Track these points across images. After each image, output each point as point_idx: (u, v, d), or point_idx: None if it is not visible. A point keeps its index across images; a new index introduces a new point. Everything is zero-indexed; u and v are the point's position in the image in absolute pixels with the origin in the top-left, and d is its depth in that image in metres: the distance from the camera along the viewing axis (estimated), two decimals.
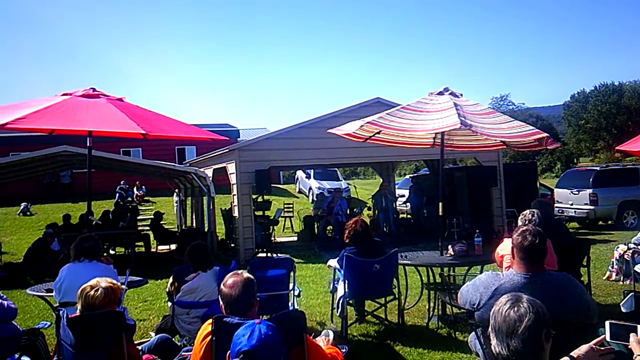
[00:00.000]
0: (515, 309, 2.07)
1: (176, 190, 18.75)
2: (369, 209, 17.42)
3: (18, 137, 23.82)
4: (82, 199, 21.97)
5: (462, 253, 6.16)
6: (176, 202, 19.54)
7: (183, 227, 17.85)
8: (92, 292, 3.46)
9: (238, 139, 26.65)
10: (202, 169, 13.97)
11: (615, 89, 52.52)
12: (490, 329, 2.13)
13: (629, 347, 2.10)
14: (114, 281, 3.64)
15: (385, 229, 14.74)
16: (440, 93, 6.59)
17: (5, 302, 4.37)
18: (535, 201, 5.59)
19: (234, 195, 12.83)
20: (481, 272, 5.80)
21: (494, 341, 2.09)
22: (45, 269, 9.97)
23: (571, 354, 2.10)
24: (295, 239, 15.81)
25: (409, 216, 17.78)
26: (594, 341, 2.13)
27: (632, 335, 2.10)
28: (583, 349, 2.10)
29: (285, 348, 2.73)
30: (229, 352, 2.51)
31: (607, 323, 2.16)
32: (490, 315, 2.15)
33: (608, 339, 2.15)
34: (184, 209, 18.68)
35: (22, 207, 21.42)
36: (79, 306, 3.49)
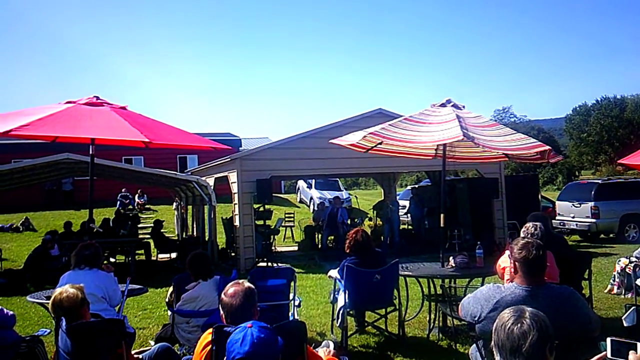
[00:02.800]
0: (519, 325, 2.03)
1: (176, 198, 18.77)
2: (370, 219, 17.41)
3: (20, 144, 23.89)
4: (83, 206, 21.99)
5: (463, 265, 6.15)
6: (175, 209, 19.57)
7: (183, 235, 17.85)
8: (64, 295, 3.47)
9: (240, 148, 26.70)
10: (203, 178, 13.99)
11: (617, 103, 52.59)
12: (493, 345, 2.11)
13: None
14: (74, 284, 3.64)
15: (388, 241, 14.71)
16: (443, 105, 6.61)
17: (5, 310, 4.37)
18: (531, 215, 5.53)
19: (235, 204, 12.83)
20: (482, 284, 5.78)
21: (497, 357, 2.07)
22: (45, 276, 9.96)
23: None
24: (296, 248, 15.79)
25: (409, 227, 17.78)
26: (596, 358, 2.12)
27: (631, 352, 2.10)
28: None
29: (286, 358, 2.72)
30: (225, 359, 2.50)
31: (608, 340, 2.16)
32: (493, 331, 2.12)
33: (609, 355, 2.14)
34: (184, 217, 18.69)
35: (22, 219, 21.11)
36: (62, 318, 3.48)
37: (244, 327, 2.52)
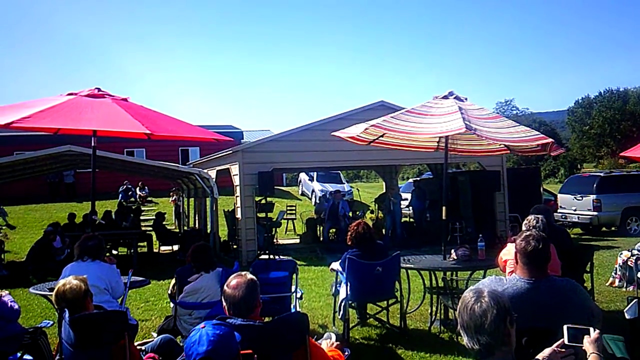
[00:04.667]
0: (479, 304, 2.17)
1: (170, 193, 18.79)
2: (372, 211, 17.41)
3: (22, 136, 23.89)
4: (85, 198, 22.05)
5: (465, 257, 6.16)
6: (171, 202, 19.65)
7: (185, 227, 17.89)
8: (68, 287, 3.49)
9: (242, 140, 26.68)
10: (205, 170, 13.99)
11: (620, 95, 52.35)
12: (459, 327, 2.24)
13: (583, 348, 2.28)
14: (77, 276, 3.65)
15: (389, 233, 14.72)
16: (445, 97, 6.58)
17: (11, 303, 4.38)
18: (534, 207, 5.54)
19: (237, 196, 12.84)
20: (484, 276, 5.78)
21: (465, 338, 2.20)
22: (48, 268, 10.00)
23: (537, 357, 2.26)
24: (298, 241, 15.81)
25: (411, 220, 17.80)
26: (556, 344, 2.29)
27: (585, 336, 2.30)
28: (546, 351, 2.27)
29: (288, 350, 2.73)
30: None
31: (565, 327, 2.33)
32: (458, 314, 2.25)
33: (566, 341, 2.30)
34: (181, 210, 18.74)
35: None
36: (65, 309, 3.49)
37: (197, 328, 2.54)
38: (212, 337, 2.46)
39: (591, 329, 2.32)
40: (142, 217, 18.47)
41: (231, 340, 2.54)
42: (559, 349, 2.28)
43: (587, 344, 2.28)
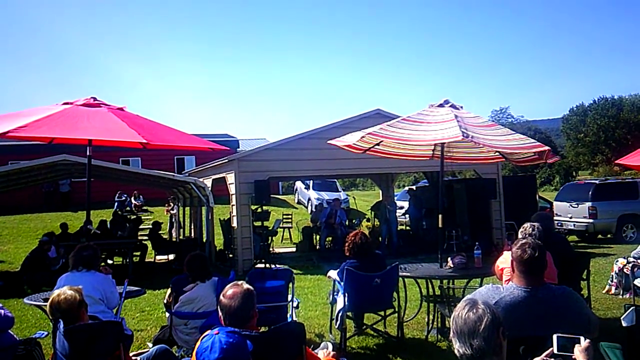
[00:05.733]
0: (474, 310, 2.22)
1: (168, 201, 18.77)
2: (368, 220, 17.41)
3: (17, 145, 23.83)
4: (80, 208, 21.97)
5: (461, 265, 6.15)
6: (167, 213, 19.58)
7: (181, 237, 17.82)
8: (62, 297, 3.47)
9: (237, 149, 26.69)
10: (201, 179, 13.97)
11: (614, 103, 52.61)
12: (451, 335, 2.26)
13: (574, 357, 2.28)
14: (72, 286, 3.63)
15: (386, 241, 14.71)
16: (441, 105, 6.60)
17: (2, 311, 4.35)
18: (536, 214, 5.57)
19: (232, 205, 12.82)
20: (481, 285, 5.78)
21: (456, 344, 2.22)
22: (42, 278, 9.93)
23: None
24: (294, 250, 15.78)
25: (407, 228, 17.80)
26: (545, 353, 2.31)
27: (576, 345, 2.29)
28: None
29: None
30: None
31: (554, 336, 2.33)
32: (451, 321, 2.28)
33: (555, 351, 2.30)
34: (174, 220, 18.70)
35: None
36: (60, 320, 3.47)
37: (211, 334, 2.52)
38: (224, 346, 2.43)
39: (582, 338, 2.32)
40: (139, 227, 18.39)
41: (243, 350, 2.52)
42: (547, 359, 2.29)
43: (578, 352, 2.29)
